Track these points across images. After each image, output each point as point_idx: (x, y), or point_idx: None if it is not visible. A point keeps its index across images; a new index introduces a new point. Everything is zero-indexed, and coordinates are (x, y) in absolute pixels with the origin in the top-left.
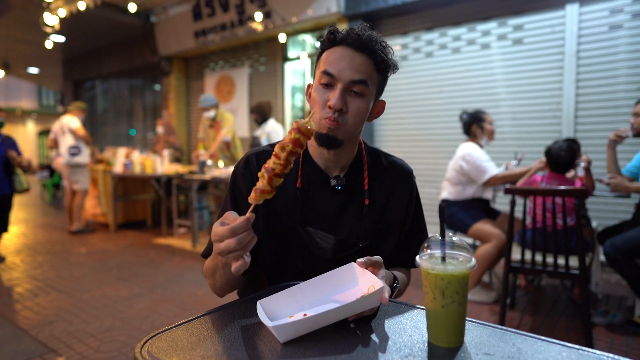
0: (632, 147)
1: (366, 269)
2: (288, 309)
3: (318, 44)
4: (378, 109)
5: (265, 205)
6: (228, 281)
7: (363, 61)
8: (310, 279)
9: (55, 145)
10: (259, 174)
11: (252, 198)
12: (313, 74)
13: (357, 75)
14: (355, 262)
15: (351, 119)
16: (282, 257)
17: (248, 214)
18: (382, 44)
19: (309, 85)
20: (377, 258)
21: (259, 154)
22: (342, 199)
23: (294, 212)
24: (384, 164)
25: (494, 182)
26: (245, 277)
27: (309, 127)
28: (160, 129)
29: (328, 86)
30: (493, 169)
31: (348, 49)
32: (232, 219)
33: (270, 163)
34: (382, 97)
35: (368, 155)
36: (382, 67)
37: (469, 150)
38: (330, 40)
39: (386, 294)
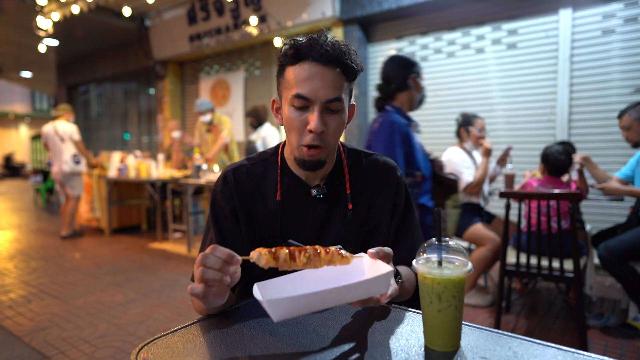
0: (627, 152)
1: (377, 259)
2: (286, 295)
3: (278, 57)
4: (350, 114)
5: (247, 220)
6: (215, 308)
7: (334, 76)
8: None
9: (46, 147)
10: (280, 249)
11: (255, 252)
12: (278, 90)
13: (332, 93)
14: (366, 252)
15: (331, 138)
16: (267, 271)
17: (236, 256)
18: (348, 52)
19: (275, 101)
20: (389, 250)
21: (235, 170)
22: (325, 207)
23: (275, 225)
24: (364, 164)
25: (471, 190)
26: (233, 295)
27: (350, 259)
28: (176, 134)
29: (303, 108)
30: (468, 177)
31: (316, 64)
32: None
33: (299, 251)
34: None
35: (348, 158)
36: (352, 75)
37: (450, 156)
38: (293, 55)
39: (390, 290)
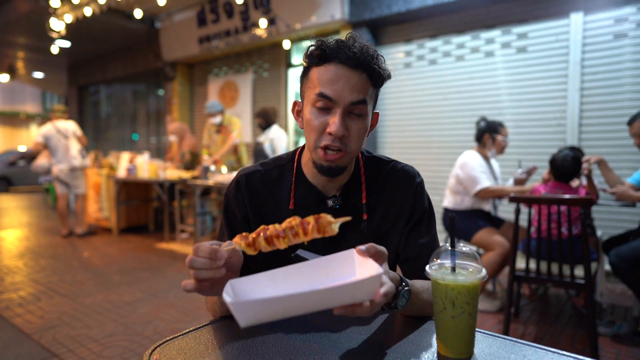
0: (639, 157)
1: (368, 257)
2: (265, 294)
3: (303, 58)
4: (373, 122)
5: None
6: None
7: (360, 79)
8: (298, 263)
9: (43, 149)
10: (257, 232)
11: (236, 242)
12: (300, 91)
13: (356, 95)
14: (355, 248)
15: (354, 143)
16: (266, 258)
17: (219, 247)
18: (376, 57)
19: (296, 103)
20: (382, 248)
21: (249, 175)
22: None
23: None
24: (382, 172)
25: (484, 195)
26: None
27: (333, 227)
28: (172, 138)
29: (325, 109)
30: (485, 181)
31: (342, 67)
32: (224, 243)
33: (271, 230)
34: (386, 105)
35: (366, 166)
36: (379, 81)
37: (466, 159)
38: (319, 56)
39: (384, 289)
